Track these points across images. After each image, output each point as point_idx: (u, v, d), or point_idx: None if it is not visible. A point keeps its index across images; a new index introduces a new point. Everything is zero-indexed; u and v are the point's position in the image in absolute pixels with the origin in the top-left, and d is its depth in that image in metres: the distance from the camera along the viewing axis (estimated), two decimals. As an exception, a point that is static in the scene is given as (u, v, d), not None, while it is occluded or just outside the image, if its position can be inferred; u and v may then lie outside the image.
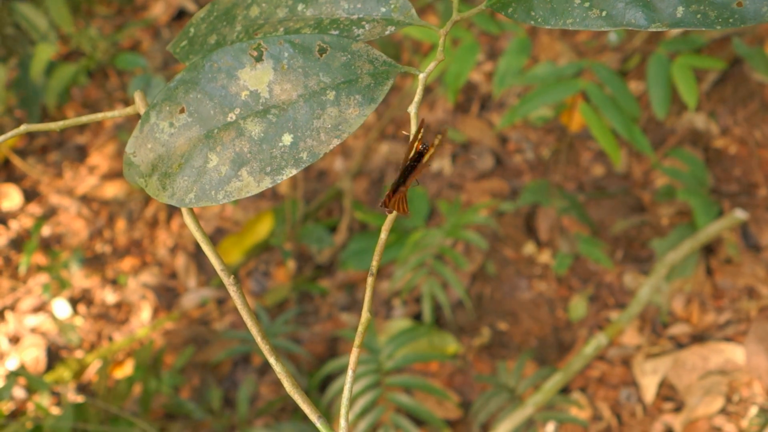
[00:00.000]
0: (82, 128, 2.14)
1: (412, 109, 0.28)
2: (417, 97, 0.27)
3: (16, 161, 2.02)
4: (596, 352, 1.17)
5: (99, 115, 0.33)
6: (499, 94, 1.74)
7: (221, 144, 0.25)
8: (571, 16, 0.23)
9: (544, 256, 1.54)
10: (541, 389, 1.13)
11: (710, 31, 1.57)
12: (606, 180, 1.67)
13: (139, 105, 0.30)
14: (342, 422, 0.35)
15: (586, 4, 0.22)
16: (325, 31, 0.26)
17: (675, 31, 1.68)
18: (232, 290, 0.30)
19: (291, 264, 1.68)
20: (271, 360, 0.32)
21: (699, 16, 0.21)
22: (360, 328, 0.33)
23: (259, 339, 0.31)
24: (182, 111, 0.25)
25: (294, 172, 0.24)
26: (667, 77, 1.14)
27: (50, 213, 1.98)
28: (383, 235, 0.31)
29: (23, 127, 0.37)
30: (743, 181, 1.55)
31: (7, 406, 1.51)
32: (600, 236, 1.54)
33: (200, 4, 2.41)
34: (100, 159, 2.06)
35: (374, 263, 0.30)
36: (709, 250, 1.44)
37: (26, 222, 1.96)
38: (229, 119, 0.25)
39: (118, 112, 0.33)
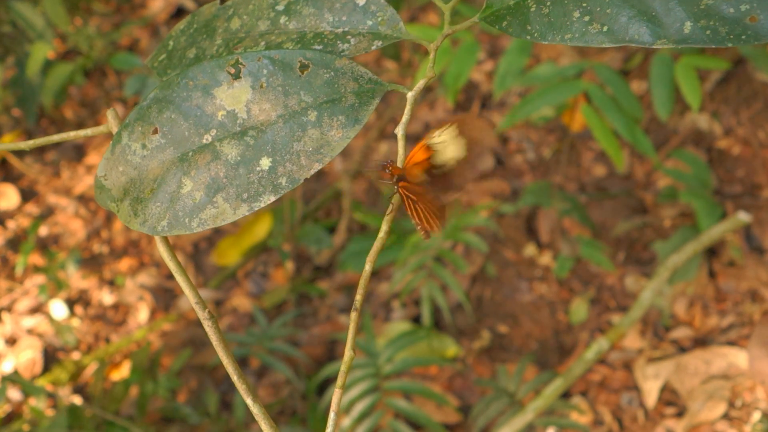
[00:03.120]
0: (80, 127, 2.13)
1: (399, 130, 0.26)
2: (405, 117, 0.26)
3: (14, 160, 2.00)
4: (597, 357, 1.16)
5: (71, 134, 0.32)
6: (500, 95, 1.72)
7: (196, 168, 0.23)
8: (569, 31, 0.21)
9: (545, 258, 1.52)
10: (542, 394, 1.11)
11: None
12: (607, 180, 1.65)
13: (112, 124, 0.29)
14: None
15: (586, 18, 0.21)
16: (308, 45, 0.24)
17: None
18: (207, 325, 0.29)
19: (289, 265, 1.66)
20: (248, 401, 0.30)
21: (708, 32, 0.19)
22: (342, 368, 0.31)
23: (235, 378, 0.29)
24: (155, 132, 0.24)
25: (272, 198, 0.23)
26: (671, 78, 1.12)
27: (47, 213, 1.96)
28: (367, 267, 0.29)
29: None
30: (747, 182, 1.54)
31: (3, 409, 1.50)
32: (601, 238, 1.52)
33: (199, 2, 2.39)
34: (97, 158, 2.04)
35: (358, 297, 0.29)
36: (711, 252, 1.43)
37: (23, 222, 1.94)
38: (204, 141, 0.23)
39: (91, 131, 0.31)
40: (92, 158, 2.05)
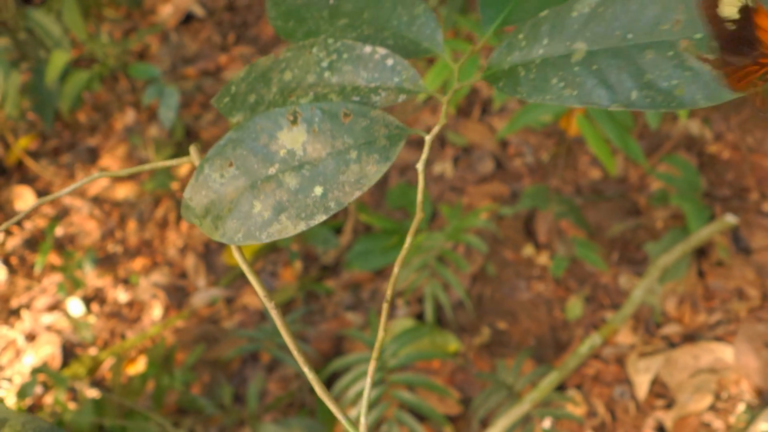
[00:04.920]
0: (93, 131, 2.20)
1: (420, 166, 0.33)
2: (423, 156, 0.32)
3: (30, 163, 2.07)
4: (590, 352, 1.23)
5: (159, 164, 0.38)
6: (479, 81, 1.79)
7: (264, 193, 0.30)
8: (549, 93, 0.28)
9: (543, 258, 1.59)
10: (538, 386, 1.18)
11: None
12: (603, 183, 1.72)
13: (194, 157, 0.36)
14: (362, 420, 0.40)
15: (561, 84, 0.28)
16: (348, 96, 0.31)
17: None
18: (273, 313, 0.35)
19: (297, 264, 1.73)
20: (305, 369, 0.37)
21: (648, 99, 0.26)
22: (377, 345, 0.38)
23: (295, 353, 0.36)
24: (231, 165, 0.31)
25: (324, 218, 0.30)
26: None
27: (63, 214, 2.03)
28: (396, 269, 0.36)
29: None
30: (735, 186, 1.60)
31: (25, 402, 1.57)
32: (596, 239, 1.59)
33: (208, 9, 2.46)
34: (111, 161, 2.11)
35: (389, 292, 0.36)
36: (701, 252, 1.49)
37: (40, 222, 2.01)
38: (270, 173, 0.30)
39: (176, 161, 0.38)
40: (105, 161, 2.12)
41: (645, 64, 0.26)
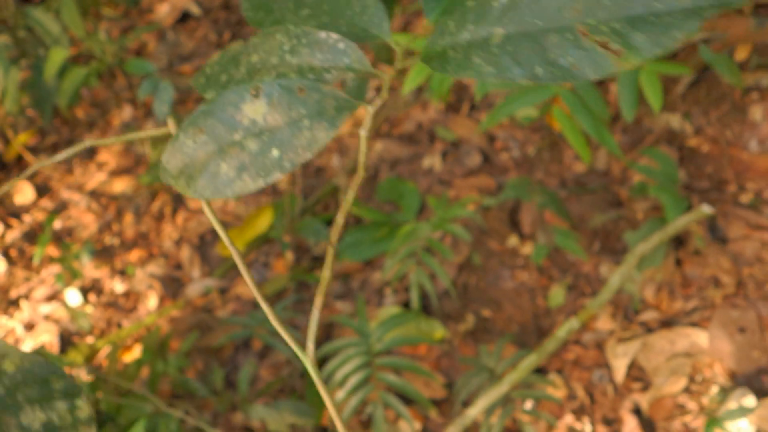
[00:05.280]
0: (91, 127, 2.25)
1: (362, 132, 0.37)
2: (366, 124, 0.37)
3: (29, 158, 2.12)
4: (568, 335, 1.27)
5: (134, 134, 0.43)
6: (483, 96, 1.84)
7: (229, 156, 0.35)
8: (472, 70, 0.33)
9: (527, 248, 1.64)
10: (517, 368, 1.23)
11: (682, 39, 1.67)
12: (587, 177, 1.77)
13: (171, 127, 0.41)
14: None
15: (482, 63, 0.33)
16: (304, 75, 0.36)
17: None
18: (240, 263, 0.40)
19: (289, 255, 1.78)
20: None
21: (550, 74, 0.31)
22: (321, 287, 0.42)
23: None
24: (202, 132, 0.36)
25: (280, 176, 0.34)
26: (635, 82, 1.24)
27: (61, 207, 2.08)
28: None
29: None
30: (714, 178, 1.65)
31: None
32: (579, 229, 1.64)
33: (204, 8, 2.51)
34: (108, 156, 2.16)
35: (333, 239, 0.40)
36: (679, 242, 1.54)
37: (38, 216, 2.06)
38: (235, 139, 0.35)
39: (154, 132, 0.43)
40: (103, 156, 2.17)
41: (549, 46, 0.31)
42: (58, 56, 1.75)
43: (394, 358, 1.33)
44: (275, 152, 0.34)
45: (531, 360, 1.24)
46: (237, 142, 0.35)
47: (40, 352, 1.26)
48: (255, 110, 0.35)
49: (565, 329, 1.27)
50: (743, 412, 1.20)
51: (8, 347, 0.40)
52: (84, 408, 0.39)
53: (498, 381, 1.23)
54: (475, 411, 1.20)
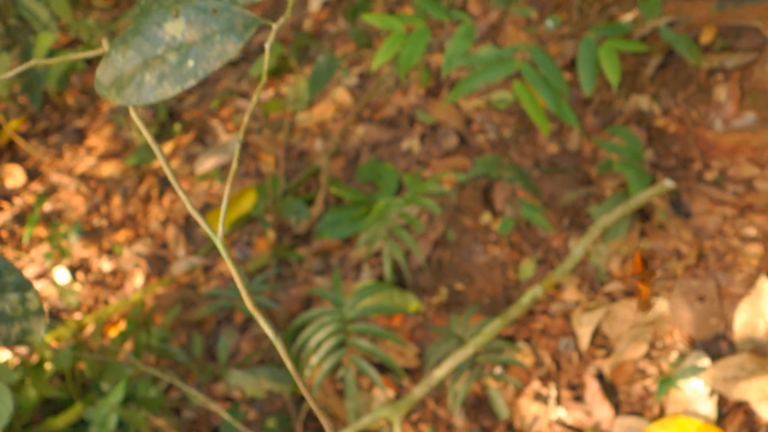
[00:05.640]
0: (81, 113, 2.30)
1: (267, 45, 0.43)
2: (271, 38, 0.42)
3: (20, 142, 2.18)
4: (532, 302, 1.33)
5: (77, 55, 0.48)
6: (449, 73, 1.90)
7: (152, 67, 0.41)
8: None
9: (499, 225, 1.69)
10: (482, 332, 1.29)
11: (639, 20, 1.73)
12: (559, 157, 1.82)
13: (105, 46, 0.46)
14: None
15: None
16: (219, -1, 0.42)
17: (602, 19, 1.85)
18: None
19: (271, 234, 1.84)
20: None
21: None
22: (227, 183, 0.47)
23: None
24: (129, 48, 0.41)
25: (194, 82, 0.40)
26: (594, 58, 1.29)
27: (51, 190, 2.14)
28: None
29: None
30: (681, 157, 1.71)
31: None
32: (550, 207, 1.69)
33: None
34: (97, 141, 2.22)
35: (245, 119, 0.45)
36: (644, 217, 1.60)
37: (29, 199, 2.12)
38: (157, 53, 0.41)
39: (92, 53, 0.48)
40: (92, 141, 2.23)
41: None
42: (46, 41, 1.81)
43: (367, 324, 1.38)
44: (191, 63, 0.40)
45: (496, 324, 1.29)
46: (159, 56, 0.40)
47: None
48: (175, 28, 0.40)
49: (529, 296, 1.32)
50: (695, 370, 1.25)
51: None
52: (34, 300, 0.45)
53: (464, 344, 1.28)
54: (441, 372, 1.25)
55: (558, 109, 1.25)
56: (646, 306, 1.39)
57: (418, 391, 1.24)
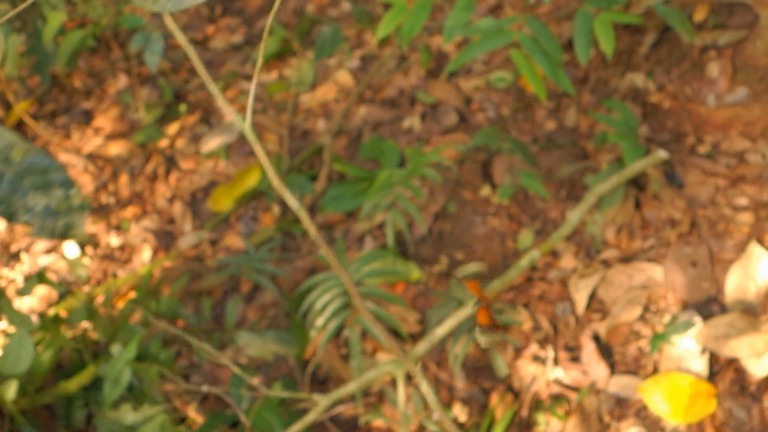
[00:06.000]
0: (88, 95, 2.35)
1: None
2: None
3: (30, 122, 2.22)
4: (530, 264, 1.38)
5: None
6: (449, 44, 1.95)
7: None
8: None
9: (498, 197, 1.74)
10: (482, 293, 1.33)
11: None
12: (557, 133, 1.87)
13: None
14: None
15: None
16: None
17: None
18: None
19: (276, 208, 1.88)
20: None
21: None
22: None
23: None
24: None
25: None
26: (590, 29, 1.34)
27: (60, 169, 2.18)
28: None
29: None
30: (675, 132, 1.76)
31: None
32: (548, 180, 1.74)
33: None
34: (104, 121, 2.26)
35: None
36: (640, 188, 1.65)
37: (38, 177, 2.16)
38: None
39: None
40: (99, 121, 2.27)
41: None
42: (55, 20, 1.85)
43: (370, 288, 1.42)
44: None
45: (494, 285, 1.34)
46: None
47: (42, 274, 1.36)
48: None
49: (527, 259, 1.37)
50: (687, 326, 1.30)
51: (15, 137, 0.50)
52: (77, 197, 0.49)
53: (464, 304, 1.33)
54: (442, 330, 1.30)
55: (555, 77, 1.30)
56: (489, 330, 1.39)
57: (421, 347, 1.28)
